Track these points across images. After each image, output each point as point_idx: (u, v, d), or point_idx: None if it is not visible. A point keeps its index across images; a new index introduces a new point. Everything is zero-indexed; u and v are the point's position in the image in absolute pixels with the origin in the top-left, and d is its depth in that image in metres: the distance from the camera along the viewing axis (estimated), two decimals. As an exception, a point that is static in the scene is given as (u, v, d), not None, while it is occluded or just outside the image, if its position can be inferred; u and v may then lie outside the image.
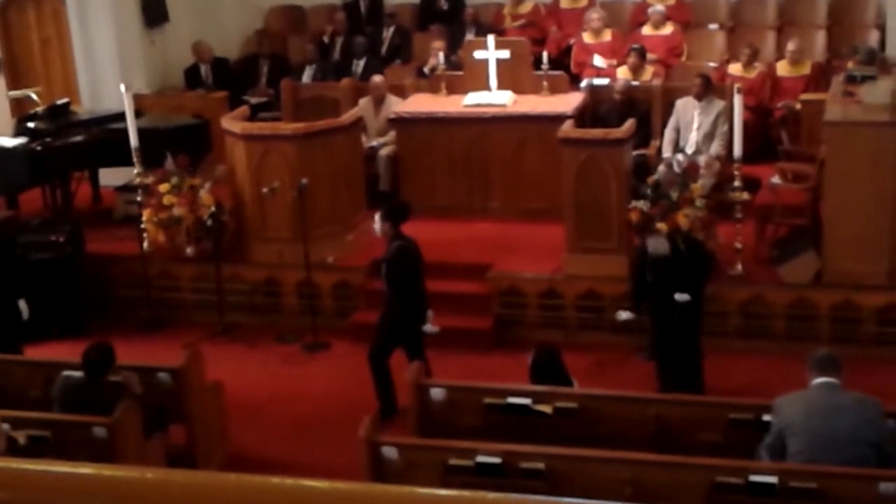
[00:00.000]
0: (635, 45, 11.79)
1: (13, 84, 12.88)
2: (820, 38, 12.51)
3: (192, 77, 13.03)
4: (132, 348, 8.05)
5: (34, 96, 11.70)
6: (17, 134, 11.00)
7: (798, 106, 11.10)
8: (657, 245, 7.72)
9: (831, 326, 8.77)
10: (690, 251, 7.86)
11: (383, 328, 8.18)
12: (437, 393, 6.89)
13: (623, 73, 11.51)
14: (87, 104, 12.03)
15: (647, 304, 8.08)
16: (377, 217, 8.12)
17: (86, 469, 1.78)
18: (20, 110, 12.14)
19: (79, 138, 10.91)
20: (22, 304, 8.72)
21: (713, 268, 8.19)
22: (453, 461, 6.13)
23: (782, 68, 11.75)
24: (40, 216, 10.72)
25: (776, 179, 9.62)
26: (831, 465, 5.74)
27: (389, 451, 6.22)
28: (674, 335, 7.93)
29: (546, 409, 6.68)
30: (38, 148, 10.65)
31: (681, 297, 7.79)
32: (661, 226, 8.56)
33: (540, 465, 6.03)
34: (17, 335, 8.82)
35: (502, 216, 10.41)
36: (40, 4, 13.02)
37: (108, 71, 11.95)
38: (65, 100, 11.62)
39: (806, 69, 11.67)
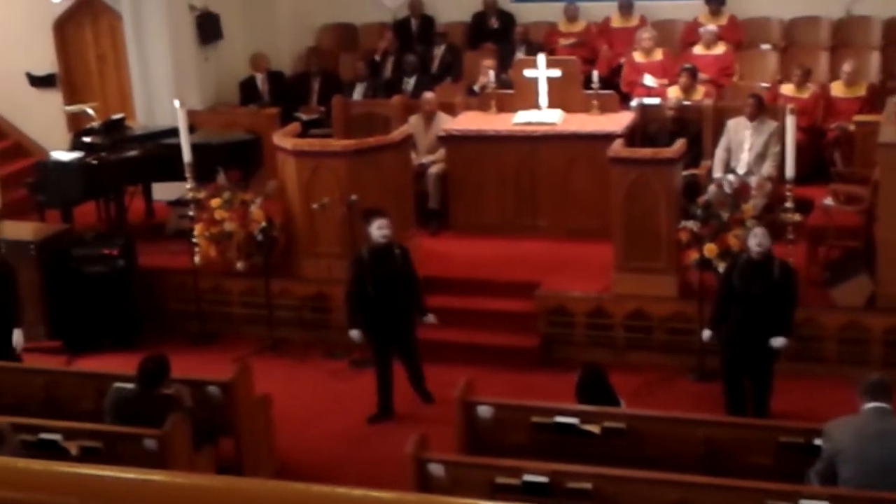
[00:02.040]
0: (687, 65, 11.74)
1: (70, 99, 13.11)
2: (874, 59, 12.39)
3: (247, 89, 13.18)
4: (182, 361, 8.11)
5: (90, 111, 11.88)
6: (73, 148, 11.18)
7: (852, 127, 10.99)
8: (762, 239, 7.59)
9: (884, 351, 8.65)
10: (784, 275, 7.68)
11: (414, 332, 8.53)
12: (484, 411, 6.89)
13: (674, 92, 11.47)
14: (142, 119, 12.19)
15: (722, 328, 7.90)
16: (386, 224, 8.26)
17: (157, 476, 1.81)
18: (76, 125, 12.35)
19: (133, 153, 11.07)
20: (17, 335, 8.39)
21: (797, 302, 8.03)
22: (500, 480, 6.12)
23: (837, 89, 11.65)
24: (94, 230, 10.86)
25: (829, 201, 9.52)
26: (883, 491, 5.67)
27: (436, 468, 6.23)
28: (739, 362, 7.83)
29: (594, 428, 6.65)
30: (94, 162, 10.80)
31: (777, 342, 7.64)
32: (710, 247, 8.52)
33: (587, 486, 6.00)
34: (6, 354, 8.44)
35: (551, 234, 10.40)
36: (97, 20, 13.25)
37: (163, 87, 12.10)
38: (120, 115, 11.79)
39: (861, 91, 11.56)
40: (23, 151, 13.44)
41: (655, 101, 11.41)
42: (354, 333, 8.42)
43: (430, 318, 8.52)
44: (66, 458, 6.46)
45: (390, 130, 10.63)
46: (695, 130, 10.70)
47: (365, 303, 8.30)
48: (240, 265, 9.87)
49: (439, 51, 13.57)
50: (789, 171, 8.74)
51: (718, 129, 10.59)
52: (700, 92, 11.53)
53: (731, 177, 10.05)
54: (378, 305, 8.27)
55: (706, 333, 8.02)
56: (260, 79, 13.18)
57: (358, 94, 12.82)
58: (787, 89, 11.59)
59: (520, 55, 12.33)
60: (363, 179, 9.58)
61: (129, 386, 7.02)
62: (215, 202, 9.81)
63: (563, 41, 13.19)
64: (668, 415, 6.92)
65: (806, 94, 11.48)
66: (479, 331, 9.31)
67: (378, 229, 8.26)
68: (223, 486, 1.79)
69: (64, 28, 13.36)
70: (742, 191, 9.60)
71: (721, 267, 8.34)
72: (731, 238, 8.52)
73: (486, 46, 13.38)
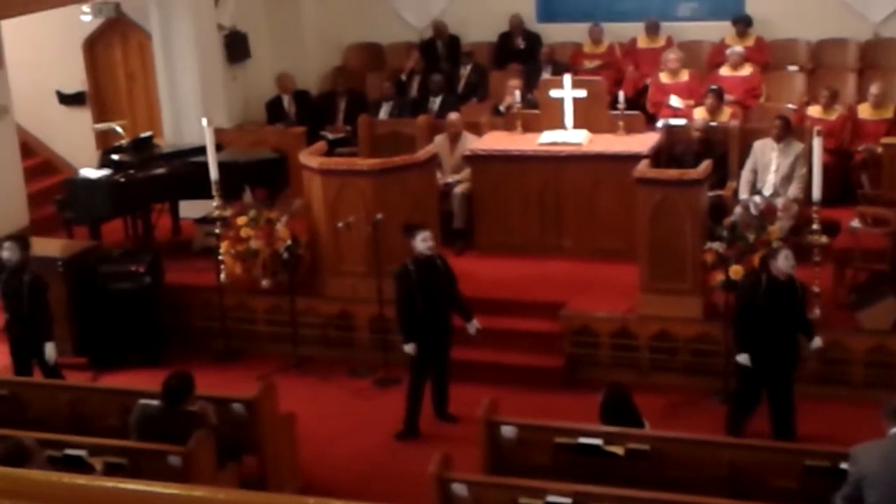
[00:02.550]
0: (713, 86, 11.72)
1: (99, 117, 13.25)
2: (902, 81, 12.34)
3: (274, 109, 13.26)
4: (207, 378, 8.14)
5: (119, 129, 11.98)
6: (101, 166, 11.26)
7: (879, 149, 10.94)
8: (788, 259, 7.65)
9: (911, 374, 8.59)
10: (803, 293, 7.83)
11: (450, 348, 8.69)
12: (507, 431, 6.88)
13: (700, 113, 11.43)
14: (170, 138, 12.28)
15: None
16: (430, 236, 8.43)
17: (199, 492, 1.82)
18: (105, 143, 12.46)
19: (161, 171, 11.14)
20: (49, 348, 8.57)
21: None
22: (523, 500, 6.10)
23: (864, 111, 11.60)
24: (121, 247, 10.93)
25: (856, 223, 9.48)
26: (910, 516, 5.61)
27: (459, 488, 6.22)
28: (761, 383, 7.83)
29: (617, 450, 6.63)
30: (122, 180, 10.89)
31: (816, 342, 7.96)
32: (736, 269, 8.49)
33: (610, 508, 5.98)
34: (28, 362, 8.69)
35: (576, 255, 10.39)
36: (127, 39, 13.39)
37: (191, 105, 12.19)
38: (148, 133, 11.89)
39: (889, 113, 11.52)
40: (52, 169, 13.58)
41: (681, 122, 11.40)
42: (410, 347, 8.42)
43: (475, 323, 8.62)
44: (92, 474, 6.48)
45: (416, 150, 10.66)
46: (721, 152, 10.67)
47: (413, 316, 8.34)
48: (265, 283, 9.92)
49: (465, 71, 13.63)
50: (816, 192, 8.70)
51: (745, 151, 10.56)
52: (726, 113, 11.50)
53: (757, 198, 10.02)
54: (425, 318, 8.31)
55: (743, 357, 7.84)
56: (286, 99, 13.26)
57: (384, 113, 12.87)
58: (814, 111, 11.56)
59: (546, 75, 12.35)
60: (389, 198, 9.61)
61: (155, 403, 7.05)
62: (241, 220, 9.87)
63: (587, 63, 13.21)
64: (692, 437, 6.89)
65: (833, 116, 11.44)
66: (503, 351, 9.30)
67: (423, 241, 8.37)
68: (262, 502, 1.80)
69: (94, 47, 13.50)
70: (768, 212, 9.57)
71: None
72: (756, 260, 8.48)
73: (512, 67, 13.42)
